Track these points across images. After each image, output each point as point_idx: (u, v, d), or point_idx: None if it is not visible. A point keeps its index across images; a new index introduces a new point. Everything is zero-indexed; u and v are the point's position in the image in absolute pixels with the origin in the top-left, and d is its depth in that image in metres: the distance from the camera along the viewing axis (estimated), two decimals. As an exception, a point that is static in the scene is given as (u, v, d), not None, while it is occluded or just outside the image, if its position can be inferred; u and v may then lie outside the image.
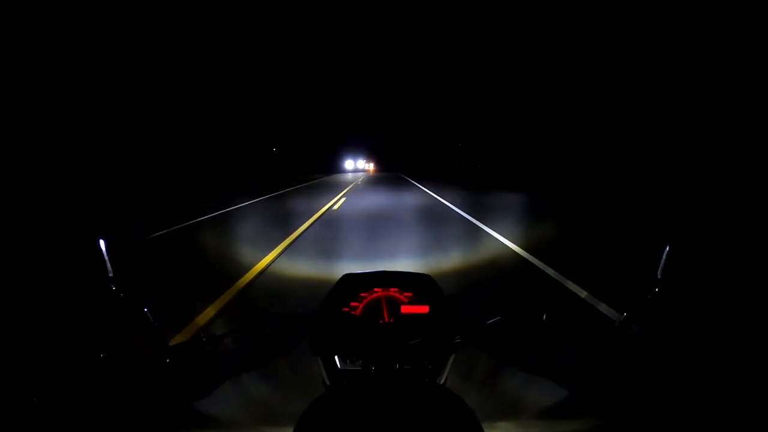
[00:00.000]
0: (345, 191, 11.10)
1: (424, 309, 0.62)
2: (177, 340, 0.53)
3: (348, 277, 0.66)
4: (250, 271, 3.18)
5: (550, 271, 3.30)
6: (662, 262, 0.51)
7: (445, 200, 8.75)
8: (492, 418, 0.46)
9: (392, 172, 20.48)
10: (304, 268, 3.38)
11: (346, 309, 0.62)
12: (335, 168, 21.17)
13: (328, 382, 0.60)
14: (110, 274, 0.51)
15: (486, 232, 5.15)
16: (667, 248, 0.52)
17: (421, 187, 12.74)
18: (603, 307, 2.42)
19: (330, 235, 4.86)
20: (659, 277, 0.51)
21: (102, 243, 0.51)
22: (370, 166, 23.54)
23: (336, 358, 0.60)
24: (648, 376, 0.45)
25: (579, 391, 0.46)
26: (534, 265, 3.53)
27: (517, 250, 4.06)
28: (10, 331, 0.47)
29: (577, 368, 0.48)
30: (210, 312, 2.32)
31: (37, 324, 0.48)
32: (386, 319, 0.62)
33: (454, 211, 7.12)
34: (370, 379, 0.54)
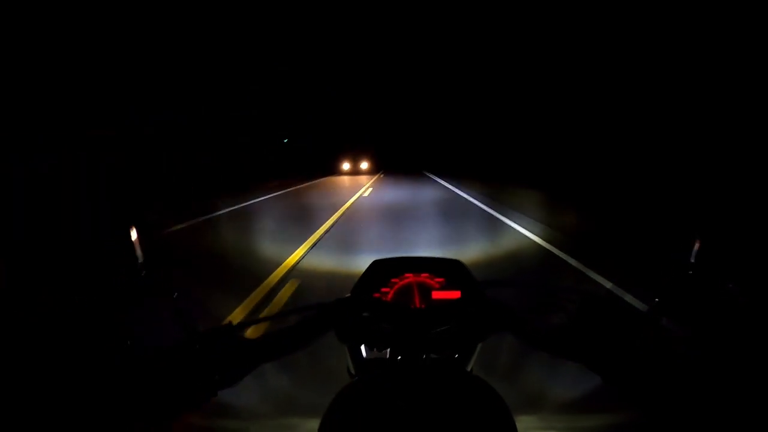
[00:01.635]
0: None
1: (456, 294, 0.61)
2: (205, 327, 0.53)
3: (378, 263, 0.65)
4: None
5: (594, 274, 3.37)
6: (694, 250, 0.50)
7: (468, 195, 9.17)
8: (519, 408, 0.45)
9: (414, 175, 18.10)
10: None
11: (377, 294, 0.61)
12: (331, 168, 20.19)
13: (353, 371, 0.59)
14: (140, 260, 0.51)
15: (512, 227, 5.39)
16: (698, 240, 0.50)
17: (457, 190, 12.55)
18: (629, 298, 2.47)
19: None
20: (692, 261, 0.49)
21: (133, 230, 0.52)
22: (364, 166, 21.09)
23: (362, 347, 0.59)
24: (680, 366, 0.43)
25: (611, 379, 0.45)
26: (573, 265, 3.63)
27: (553, 251, 4.17)
28: (36, 318, 0.46)
29: (610, 356, 0.46)
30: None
31: (64, 310, 0.47)
32: (417, 305, 0.60)
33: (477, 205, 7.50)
34: (398, 368, 0.53)
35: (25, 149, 7.69)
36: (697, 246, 0.49)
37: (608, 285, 2.93)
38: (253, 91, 19.06)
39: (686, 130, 8.39)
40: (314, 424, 0.38)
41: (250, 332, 0.54)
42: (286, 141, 24.38)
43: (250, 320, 0.59)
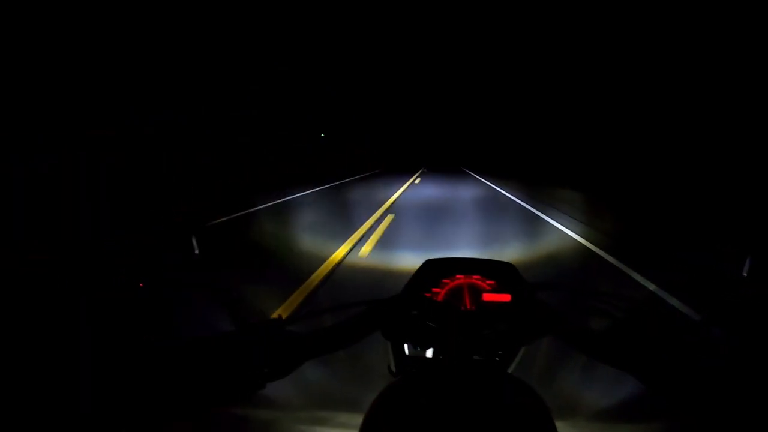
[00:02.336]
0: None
1: (506, 298, 0.61)
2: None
3: (430, 263, 0.65)
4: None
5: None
6: (748, 261, 0.49)
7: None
8: (558, 413, 0.45)
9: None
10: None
11: (428, 294, 0.61)
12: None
13: (394, 369, 0.59)
14: (196, 251, 0.52)
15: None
16: (753, 247, 0.49)
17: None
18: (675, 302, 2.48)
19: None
20: (744, 275, 0.49)
21: (191, 227, 0.54)
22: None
23: (405, 345, 0.59)
24: (729, 378, 0.42)
25: (657, 388, 0.44)
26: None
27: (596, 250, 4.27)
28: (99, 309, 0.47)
29: (658, 364, 0.45)
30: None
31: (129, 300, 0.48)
32: (468, 306, 0.61)
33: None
34: (441, 368, 0.53)
35: (25, 149, 7.68)
36: (749, 261, 0.48)
37: (651, 287, 2.93)
38: (253, 91, 19.04)
39: (743, 134, 8.17)
40: (342, 417, 0.38)
41: (300, 326, 0.55)
42: (323, 135, 24.36)
43: (299, 314, 0.59)
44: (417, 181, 13.82)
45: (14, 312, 0.47)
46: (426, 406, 0.39)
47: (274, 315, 0.54)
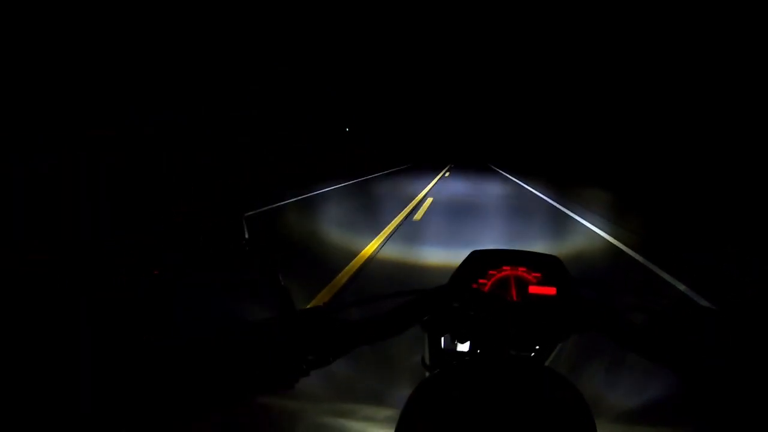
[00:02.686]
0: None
1: (552, 291, 0.60)
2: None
3: (476, 254, 0.65)
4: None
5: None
6: None
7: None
8: (596, 408, 0.45)
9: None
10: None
11: (474, 285, 0.62)
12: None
13: (428, 362, 0.59)
14: (246, 236, 0.53)
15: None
16: None
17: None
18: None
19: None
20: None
21: (243, 215, 0.55)
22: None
23: (442, 338, 0.59)
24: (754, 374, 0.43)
25: (702, 386, 0.44)
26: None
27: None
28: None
29: (697, 363, 0.45)
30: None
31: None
32: (514, 298, 0.61)
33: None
34: (479, 361, 0.53)
35: (25, 149, 7.68)
36: None
37: (681, 287, 2.96)
38: (253, 91, 19.05)
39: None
40: (368, 410, 0.38)
41: (344, 314, 0.55)
42: (348, 130, 24.34)
43: (343, 303, 0.60)
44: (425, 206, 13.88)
45: (14, 312, 0.47)
46: (464, 401, 0.39)
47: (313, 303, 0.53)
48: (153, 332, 0.49)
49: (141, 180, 9.49)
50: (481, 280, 0.62)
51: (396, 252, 4.24)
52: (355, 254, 4.06)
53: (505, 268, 0.63)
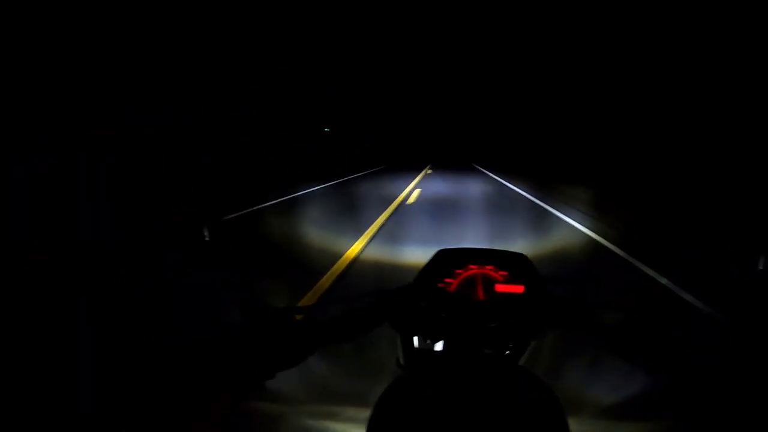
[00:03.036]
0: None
1: (519, 289, 0.60)
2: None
3: (443, 253, 0.64)
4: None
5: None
6: (763, 257, 0.49)
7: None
8: (569, 406, 0.45)
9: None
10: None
11: (440, 285, 0.61)
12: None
13: (402, 362, 0.58)
14: (207, 240, 0.53)
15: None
16: (763, 254, 0.49)
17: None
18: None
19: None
20: (761, 267, 0.49)
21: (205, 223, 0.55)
22: None
23: (415, 338, 0.59)
24: (742, 372, 0.42)
25: (662, 383, 0.44)
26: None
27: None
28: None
29: (667, 361, 0.45)
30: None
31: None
32: (481, 297, 0.60)
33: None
34: (451, 361, 0.53)
35: (25, 149, 7.68)
36: (763, 259, 0.48)
37: (663, 281, 2.94)
38: (253, 91, 19.04)
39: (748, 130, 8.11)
40: (351, 412, 0.38)
41: (309, 317, 0.55)
42: (327, 130, 24.34)
43: (309, 304, 0.59)
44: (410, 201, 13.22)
45: (15, 312, 0.47)
46: (435, 400, 0.38)
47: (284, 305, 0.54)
48: (153, 332, 0.49)
49: (141, 180, 9.49)
50: (447, 280, 0.61)
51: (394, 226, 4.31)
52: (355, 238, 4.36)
53: (471, 266, 0.62)
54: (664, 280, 2.96)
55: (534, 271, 0.61)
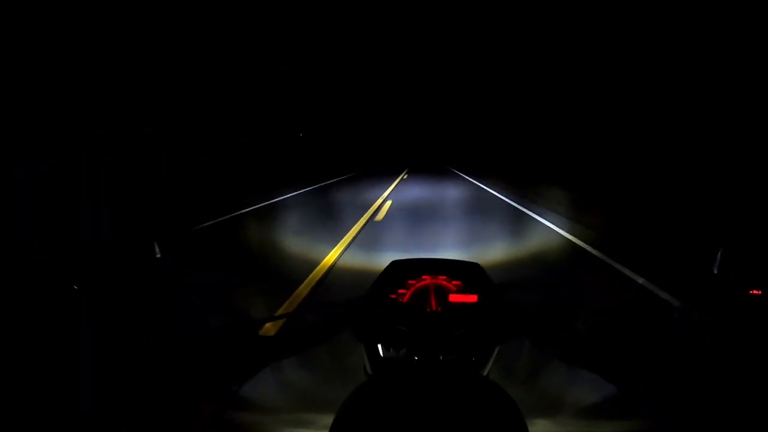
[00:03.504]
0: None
1: (473, 298, 0.60)
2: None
3: (396, 264, 0.64)
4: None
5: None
6: (719, 256, 0.50)
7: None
8: (534, 414, 0.45)
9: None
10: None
11: (393, 296, 0.61)
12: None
13: (370, 371, 0.59)
14: (158, 255, 0.52)
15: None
16: (722, 247, 0.50)
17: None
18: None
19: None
20: (715, 272, 0.50)
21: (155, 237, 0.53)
22: None
23: (379, 346, 0.59)
24: (707, 373, 0.43)
25: (628, 387, 0.45)
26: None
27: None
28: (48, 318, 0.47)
29: (628, 364, 0.46)
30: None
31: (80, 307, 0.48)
32: (434, 308, 0.60)
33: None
34: (413, 368, 0.53)
35: (25, 149, 7.68)
36: (720, 253, 0.49)
37: (640, 281, 3.01)
38: (253, 91, 19.04)
39: (715, 133, 8.23)
40: (327, 420, 0.38)
41: (268, 328, 0.56)
42: (301, 135, 24.50)
43: (268, 317, 0.59)
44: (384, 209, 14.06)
45: (15, 312, 0.47)
46: (394, 407, 0.39)
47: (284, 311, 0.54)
48: (153, 332, 0.49)
49: (141, 180, 9.49)
50: (400, 290, 0.61)
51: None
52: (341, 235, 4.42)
53: (425, 277, 0.62)
54: (640, 280, 3.01)
55: (488, 280, 0.61)
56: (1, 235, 4.21)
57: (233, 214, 6.86)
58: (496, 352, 0.59)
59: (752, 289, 0.45)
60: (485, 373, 0.58)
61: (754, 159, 6.87)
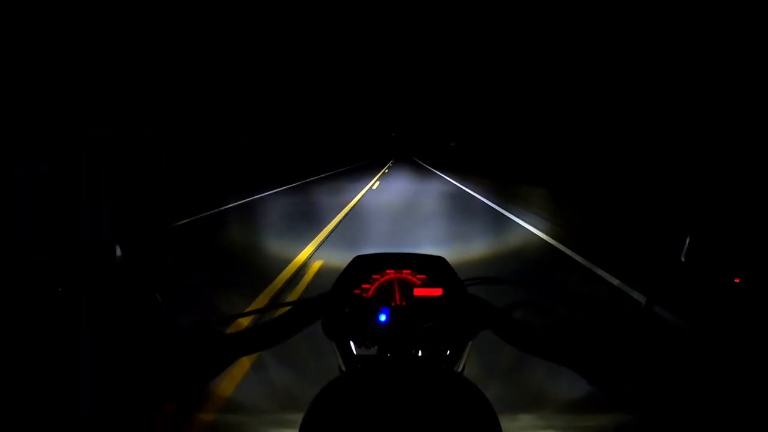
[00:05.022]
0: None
1: (438, 292, 0.60)
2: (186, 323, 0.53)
3: (360, 259, 0.64)
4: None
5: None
6: (686, 246, 0.50)
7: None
8: (512, 410, 0.45)
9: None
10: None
11: (357, 291, 0.61)
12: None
13: (343, 368, 0.59)
14: (118, 254, 0.51)
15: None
16: (690, 234, 0.50)
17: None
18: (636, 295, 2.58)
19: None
20: (683, 260, 0.50)
21: (115, 236, 0.52)
22: None
23: (351, 343, 0.59)
24: (671, 363, 0.43)
25: (601, 383, 0.45)
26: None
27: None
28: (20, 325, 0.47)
29: (600, 358, 0.46)
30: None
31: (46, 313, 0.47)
32: (398, 302, 0.60)
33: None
34: (384, 365, 0.53)
35: (25, 149, 7.68)
36: (688, 241, 0.49)
37: (615, 282, 3.04)
38: (253, 91, 19.05)
39: (681, 130, 8.43)
40: (296, 417, 0.38)
41: (236, 325, 0.55)
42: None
43: (233, 314, 0.59)
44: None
45: (15, 312, 0.47)
46: (363, 403, 0.39)
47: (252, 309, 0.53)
48: (153, 332, 0.49)
49: (141, 180, 9.49)
50: (364, 285, 0.61)
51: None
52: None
53: (389, 271, 0.62)
54: (616, 281, 3.05)
55: (452, 273, 0.61)
56: (1, 235, 4.22)
57: (256, 197, 6.99)
58: (468, 347, 0.59)
59: (735, 278, 0.45)
60: (460, 369, 0.59)
61: (733, 153, 6.97)
